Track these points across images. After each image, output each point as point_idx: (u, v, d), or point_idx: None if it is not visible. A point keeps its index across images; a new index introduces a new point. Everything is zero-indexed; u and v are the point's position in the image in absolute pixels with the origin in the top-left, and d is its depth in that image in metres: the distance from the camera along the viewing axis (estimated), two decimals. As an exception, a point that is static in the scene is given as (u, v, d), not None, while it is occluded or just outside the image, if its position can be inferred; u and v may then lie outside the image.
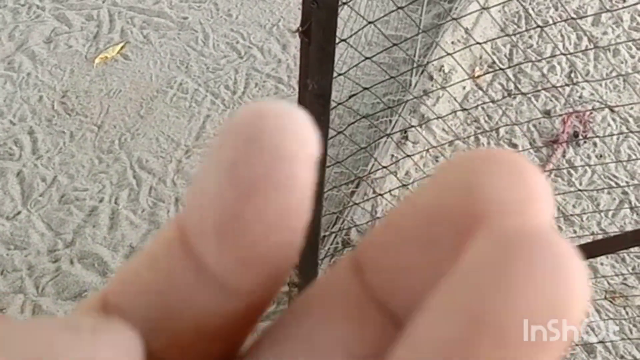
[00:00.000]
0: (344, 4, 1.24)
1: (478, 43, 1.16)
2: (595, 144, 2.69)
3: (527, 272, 0.16)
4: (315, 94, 1.38)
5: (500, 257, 0.17)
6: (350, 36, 1.32)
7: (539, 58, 2.85)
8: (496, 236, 0.17)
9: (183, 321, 0.21)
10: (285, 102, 0.20)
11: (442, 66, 2.77)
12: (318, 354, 0.21)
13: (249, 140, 0.19)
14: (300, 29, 1.32)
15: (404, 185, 1.99)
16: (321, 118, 1.43)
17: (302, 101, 1.45)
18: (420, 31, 1.43)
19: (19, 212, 2.47)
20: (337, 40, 1.30)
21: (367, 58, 1.34)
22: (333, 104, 1.42)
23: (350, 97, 1.43)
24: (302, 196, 0.19)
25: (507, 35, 1.30)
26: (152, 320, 0.21)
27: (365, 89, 1.41)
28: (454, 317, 0.17)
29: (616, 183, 2.55)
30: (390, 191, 2.32)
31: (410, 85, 2.64)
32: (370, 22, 1.27)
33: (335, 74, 1.36)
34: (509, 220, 0.18)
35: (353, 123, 1.56)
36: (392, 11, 1.28)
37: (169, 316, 0.21)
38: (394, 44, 1.32)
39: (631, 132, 2.69)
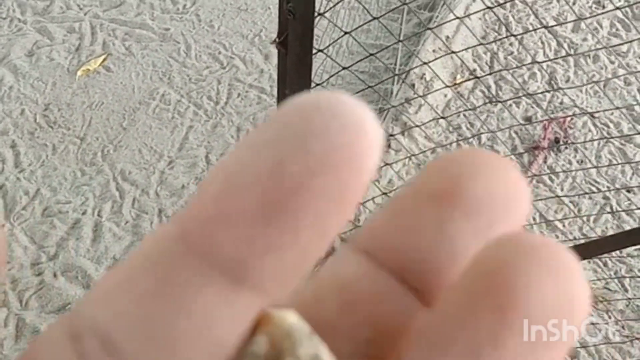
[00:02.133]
0: (320, 15, 1.25)
1: (452, 52, 1.17)
2: (576, 150, 2.71)
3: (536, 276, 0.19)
4: (293, 105, 1.39)
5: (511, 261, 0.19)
6: (327, 46, 1.33)
7: (519, 65, 2.87)
8: (508, 244, 0.19)
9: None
10: (336, 92, 0.19)
11: (424, 74, 2.78)
12: None
13: (305, 132, 0.18)
14: (277, 40, 1.33)
15: (385, 194, 2.00)
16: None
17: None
18: (398, 40, 1.44)
19: (2, 226, 2.46)
20: (315, 50, 1.31)
21: (344, 68, 1.34)
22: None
23: (328, 107, 1.44)
24: (353, 193, 0.19)
25: (481, 44, 1.31)
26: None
27: (342, 98, 1.41)
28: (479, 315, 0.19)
29: (597, 188, 2.57)
30: (373, 198, 2.33)
31: (392, 93, 2.65)
32: (346, 33, 1.28)
33: (313, 84, 1.37)
34: (493, 214, 0.21)
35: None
36: (369, 21, 1.29)
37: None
38: (370, 54, 1.33)
39: (611, 137, 2.72)
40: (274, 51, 3.25)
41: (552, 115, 2.81)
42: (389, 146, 2.59)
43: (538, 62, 1.71)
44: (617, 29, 3.21)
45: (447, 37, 2.99)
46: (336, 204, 0.19)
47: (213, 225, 0.18)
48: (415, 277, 0.21)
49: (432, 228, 0.21)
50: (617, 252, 2.28)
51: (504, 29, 3.18)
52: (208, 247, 0.18)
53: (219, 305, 0.18)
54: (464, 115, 2.76)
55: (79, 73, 3.03)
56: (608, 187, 2.57)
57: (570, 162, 2.68)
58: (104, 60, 3.10)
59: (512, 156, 2.64)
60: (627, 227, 2.42)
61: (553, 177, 2.59)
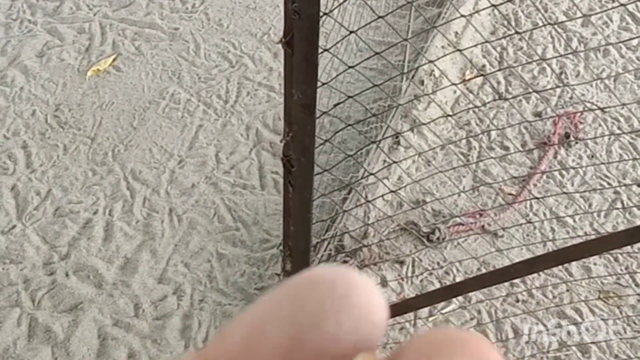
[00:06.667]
0: (326, 14, 1.25)
1: (459, 50, 1.17)
2: (586, 145, 2.70)
3: None
4: (300, 104, 1.39)
5: None
6: (333, 45, 1.33)
7: (528, 60, 2.86)
8: None
9: None
10: (348, 268, 0.22)
11: (433, 70, 2.78)
12: None
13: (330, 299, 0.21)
14: (283, 39, 1.33)
15: (393, 191, 2.00)
16: (307, 127, 1.44)
17: (288, 110, 1.46)
18: (405, 38, 1.44)
19: (14, 226, 2.48)
20: (321, 49, 1.31)
21: (349, 67, 1.35)
22: (319, 113, 1.42)
23: (335, 105, 1.45)
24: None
25: (488, 42, 1.31)
26: None
27: (348, 97, 1.42)
28: None
29: (608, 183, 2.56)
30: (382, 195, 2.33)
31: (401, 90, 2.65)
32: (351, 32, 1.28)
33: (320, 83, 1.37)
34: None
35: (339, 131, 1.57)
36: (374, 20, 1.29)
37: None
38: (376, 53, 1.33)
39: (623, 132, 2.70)
40: (283, 49, 3.25)
41: (562, 111, 2.80)
42: (398, 143, 2.59)
43: (545, 60, 1.70)
44: (627, 23, 3.19)
45: (456, 32, 2.98)
46: None
47: None
48: None
49: None
50: (629, 247, 2.28)
51: (513, 24, 3.17)
52: None
53: None
54: (473, 111, 2.76)
55: (89, 73, 3.05)
56: (619, 182, 2.56)
57: (580, 157, 2.67)
58: (114, 60, 3.11)
59: (523, 152, 2.63)
60: (638, 222, 2.41)
61: (563, 172, 2.58)
